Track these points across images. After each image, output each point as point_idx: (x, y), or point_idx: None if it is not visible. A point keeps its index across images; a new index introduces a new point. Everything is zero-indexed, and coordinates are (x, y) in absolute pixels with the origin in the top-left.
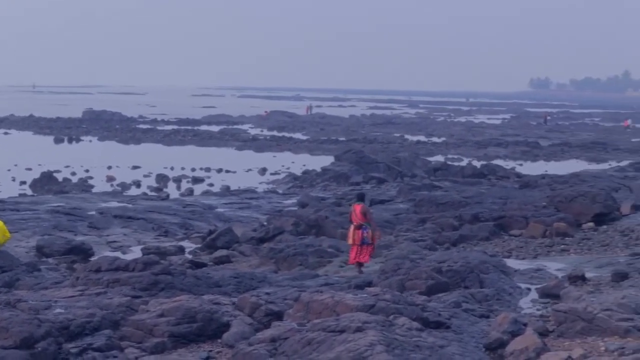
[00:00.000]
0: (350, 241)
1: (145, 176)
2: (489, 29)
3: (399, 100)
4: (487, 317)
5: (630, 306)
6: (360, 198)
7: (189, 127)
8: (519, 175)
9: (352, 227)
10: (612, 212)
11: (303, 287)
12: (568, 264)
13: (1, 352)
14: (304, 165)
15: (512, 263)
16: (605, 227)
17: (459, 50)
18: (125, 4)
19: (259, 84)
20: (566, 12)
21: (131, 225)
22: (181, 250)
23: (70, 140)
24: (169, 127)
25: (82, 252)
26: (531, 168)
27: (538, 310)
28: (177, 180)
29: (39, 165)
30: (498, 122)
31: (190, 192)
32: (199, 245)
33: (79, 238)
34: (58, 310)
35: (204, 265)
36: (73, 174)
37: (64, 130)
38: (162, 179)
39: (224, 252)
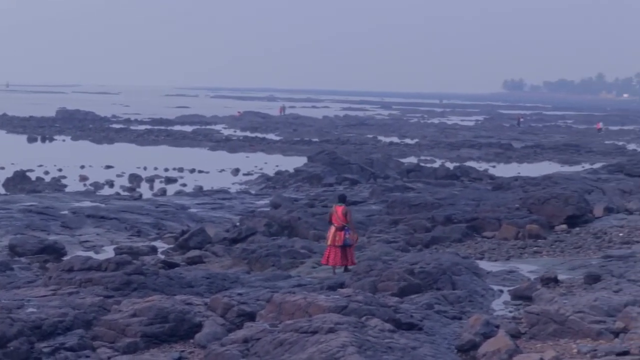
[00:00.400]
0: (329, 242)
1: (118, 176)
2: (462, 30)
3: (372, 101)
4: (460, 318)
5: (602, 308)
6: (342, 199)
7: (162, 127)
8: (492, 177)
9: (333, 229)
10: (584, 214)
11: (275, 288)
12: (541, 266)
13: None
14: (277, 166)
15: (484, 265)
16: (578, 229)
17: (433, 52)
18: (99, 3)
19: (232, 85)
20: (540, 13)
21: (104, 225)
22: (154, 250)
23: (43, 140)
24: (142, 127)
25: (55, 252)
26: (504, 170)
27: (510, 312)
28: (150, 180)
29: (12, 164)
30: (471, 123)
31: (163, 192)
32: (172, 246)
33: (52, 237)
34: (30, 309)
35: (176, 265)
36: (46, 173)
37: (37, 129)
38: (135, 178)
39: (196, 252)
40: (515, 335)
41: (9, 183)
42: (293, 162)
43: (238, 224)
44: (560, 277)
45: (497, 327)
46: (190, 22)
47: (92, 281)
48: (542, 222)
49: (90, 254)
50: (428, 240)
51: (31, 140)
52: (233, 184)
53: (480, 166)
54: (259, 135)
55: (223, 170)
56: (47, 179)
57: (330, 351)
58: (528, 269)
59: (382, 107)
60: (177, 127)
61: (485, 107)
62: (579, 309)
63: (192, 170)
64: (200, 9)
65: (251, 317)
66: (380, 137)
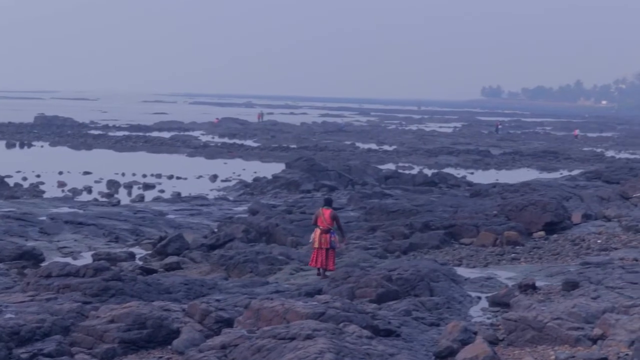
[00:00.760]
0: (315, 244)
1: (96, 182)
2: (440, 37)
3: (351, 107)
4: (437, 325)
5: (580, 315)
6: (328, 203)
7: (141, 134)
8: (470, 184)
9: (318, 231)
10: (563, 221)
11: (253, 294)
12: (518, 273)
13: None
14: (255, 173)
15: (462, 271)
16: (556, 236)
17: (411, 58)
18: (76, 8)
19: (210, 91)
20: (518, 20)
21: (82, 231)
22: (132, 256)
23: (21, 146)
24: (121, 133)
25: (33, 258)
26: (482, 177)
27: (488, 318)
28: (128, 186)
29: None
30: (449, 130)
31: (141, 198)
32: (150, 252)
33: (30, 243)
34: (8, 315)
35: (154, 271)
36: (24, 179)
37: (16, 135)
38: (113, 185)
39: (174, 258)
40: (493, 342)
41: None
42: (271, 169)
43: (216, 230)
44: (538, 283)
45: (475, 333)
46: (168, 28)
47: (70, 287)
48: (520, 228)
49: (68, 260)
50: (406, 246)
51: (10, 146)
52: (211, 190)
53: (459, 173)
54: (237, 141)
55: (201, 176)
56: (25, 185)
57: (308, 357)
58: (506, 275)
59: (360, 113)
60: (155, 134)
61: (464, 113)
62: (557, 316)
63: (170, 177)
64: (177, 15)
65: (229, 323)
66: (358, 144)
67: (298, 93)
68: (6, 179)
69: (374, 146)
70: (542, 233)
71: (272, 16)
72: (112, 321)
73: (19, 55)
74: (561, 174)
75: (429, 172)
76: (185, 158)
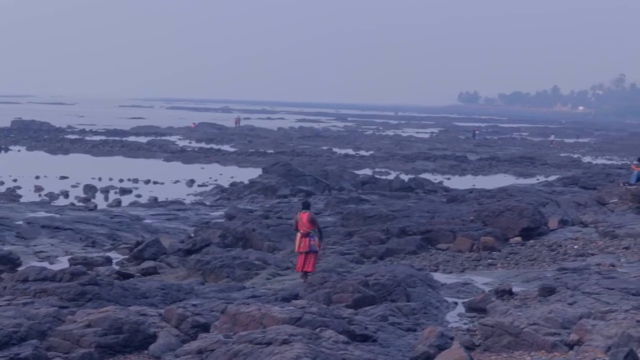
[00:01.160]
0: (297, 249)
1: (73, 186)
2: (417, 41)
3: (328, 113)
4: (414, 330)
5: (557, 321)
6: (306, 206)
7: (117, 138)
8: (446, 189)
9: (299, 235)
10: (539, 226)
11: (230, 299)
12: (495, 278)
13: None
14: (232, 178)
15: (439, 277)
16: (532, 241)
17: (388, 63)
18: (52, 13)
19: (187, 96)
20: (494, 25)
21: (59, 236)
22: (108, 261)
23: None
24: (98, 138)
25: (10, 262)
26: (459, 182)
27: (465, 324)
28: (105, 191)
29: None
30: (426, 135)
31: (118, 203)
32: (126, 256)
33: (7, 248)
34: None
35: (131, 276)
36: (1, 183)
37: None
38: (90, 189)
39: (151, 263)
40: (469, 348)
41: None
42: (248, 174)
43: (193, 235)
44: (515, 289)
45: (452, 339)
46: (144, 33)
47: (46, 292)
48: (496, 234)
49: (45, 264)
50: (383, 252)
51: None
52: (188, 195)
53: (435, 178)
54: (214, 146)
55: (178, 181)
56: (2, 189)
57: None
58: (483, 281)
59: (337, 118)
60: (132, 138)
61: (440, 119)
62: (534, 321)
63: (147, 181)
64: (153, 21)
65: (205, 328)
66: (335, 149)
67: (275, 98)
68: None
69: (351, 151)
70: (518, 239)
71: (248, 23)
72: (88, 326)
73: None
74: (538, 179)
75: (405, 177)
76: (162, 163)
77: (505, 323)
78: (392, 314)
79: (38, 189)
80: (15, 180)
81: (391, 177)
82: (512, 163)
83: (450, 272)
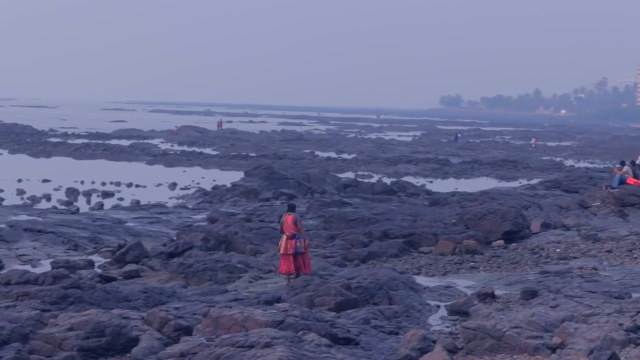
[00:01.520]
0: (281, 251)
1: (55, 190)
2: (399, 44)
3: (310, 116)
4: (396, 333)
5: (539, 324)
6: (291, 208)
7: (100, 141)
8: (429, 193)
9: (284, 237)
10: (521, 230)
11: (212, 303)
12: (477, 282)
13: None
14: (214, 181)
15: (421, 280)
16: (515, 244)
17: (369, 66)
18: (32, 16)
19: (169, 99)
20: (476, 28)
21: (41, 239)
22: (91, 264)
23: None
24: (80, 141)
25: None
26: (441, 185)
27: (447, 327)
28: (87, 194)
29: None
30: (409, 139)
31: (100, 206)
32: (109, 260)
33: None
34: None
35: (113, 279)
36: None
37: None
38: (72, 192)
39: (133, 266)
40: (452, 351)
41: None
42: (230, 177)
43: (175, 238)
44: (497, 292)
45: (434, 342)
46: (125, 36)
47: (29, 295)
48: (479, 237)
49: (27, 267)
50: (365, 255)
51: None
52: (170, 198)
53: (418, 181)
54: (196, 149)
55: (160, 184)
56: None
57: None
58: (465, 284)
59: (319, 122)
60: (114, 141)
61: (423, 122)
62: (516, 325)
63: (130, 185)
64: (135, 23)
65: (188, 331)
66: (317, 152)
67: (257, 101)
68: None
69: (333, 155)
70: (501, 242)
71: (233, 23)
72: (71, 329)
73: None
74: (520, 182)
75: (388, 180)
76: (144, 166)
77: (488, 326)
78: (374, 317)
79: (20, 192)
80: None
81: (373, 180)
82: (495, 166)
83: (433, 275)
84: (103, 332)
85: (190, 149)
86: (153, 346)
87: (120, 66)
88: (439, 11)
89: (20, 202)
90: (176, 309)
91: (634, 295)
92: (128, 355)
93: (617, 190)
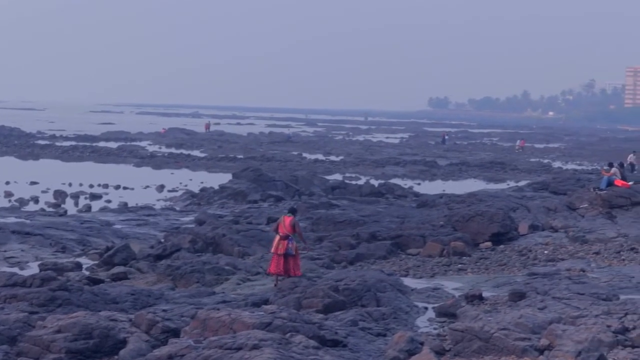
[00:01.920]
0: (273, 249)
1: (43, 192)
2: (386, 46)
3: (297, 118)
4: (384, 335)
5: (527, 326)
6: (292, 211)
7: (88, 144)
8: (416, 195)
9: (277, 238)
10: (509, 231)
11: (200, 305)
12: (465, 283)
13: None
14: (202, 183)
15: (409, 282)
16: (502, 246)
17: (357, 68)
18: (21, 17)
19: (157, 101)
20: (463, 30)
21: (29, 241)
22: (78, 266)
23: None
24: (68, 143)
25: None
26: (429, 187)
27: (435, 329)
28: (75, 196)
29: None
30: (396, 141)
31: (88, 208)
32: (96, 262)
33: None
34: None
35: (101, 281)
36: None
37: None
38: (60, 195)
39: (121, 268)
40: (439, 352)
41: None
42: (218, 179)
43: (163, 240)
44: (485, 294)
45: (422, 344)
46: (113, 38)
47: (16, 297)
48: (466, 239)
49: (15, 270)
50: (353, 257)
51: None
52: (158, 200)
53: (405, 183)
54: (184, 151)
55: (148, 186)
56: None
57: None
58: (453, 286)
59: (307, 124)
60: (102, 144)
61: (411, 124)
62: (504, 326)
63: (117, 187)
64: (122, 25)
65: (176, 333)
66: (305, 154)
67: (245, 103)
68: None
69: (321, 156)
70: (488, 244)
71: (221, 26)
72: (58, 331)
73: None
74: (508, 184)
75: (375, 182)
76: (132, 168)
77: (476, 328)
78: (362, 319)
79: (8, 194)
80: None
81: (361, 182)
82: (482, 168)
83: (420, 277)
84: (91, 334)
85: (178, 151)
86: (141, 348)
87: (108, 69)
88: (426, 14)
89: (8, 205)
90: (164, 311)
91: (622, 297)
92: (116, 357)
93: (604, 192)
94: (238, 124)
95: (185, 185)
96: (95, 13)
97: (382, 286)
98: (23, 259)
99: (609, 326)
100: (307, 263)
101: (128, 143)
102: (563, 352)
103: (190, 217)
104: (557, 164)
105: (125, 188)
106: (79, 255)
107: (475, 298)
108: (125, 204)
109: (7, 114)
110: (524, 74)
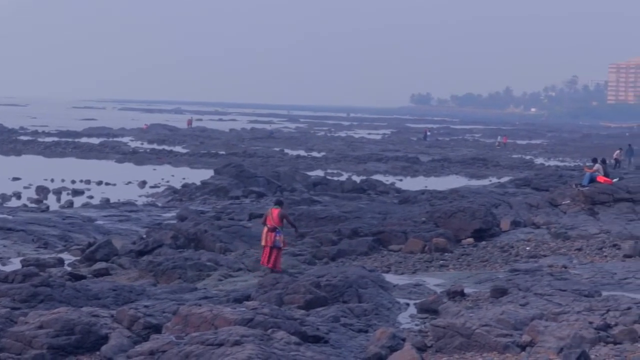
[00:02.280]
0: (263, 242)
1: (25, 188)
2: (369, 44)
3: (280, 114)
4: (366, 331)
5: (509, 322)
6: (279, 203)
7: (70, 139)
8: (398, 191)
9: (265, 229)
10: (491, 228)
11: (182, 301)
12: (447, 280)
13: None
14: (184, 179)
15: (391, 278)
16: (484, 243)
17: (340, 65)
18: (1, 12)
19: (139, 97)
20: (446, 27)
21: (11, 237)
22: (60, 262)
23: None
24: (50, 139)
25: None
26: (411, 183)
27: (417, 325)
28: (57, 192)
29: None
30: (378, 137)
31: (70, 204)
32: (78, 258)
33: None
34: None
35: (83, 277)
36: None
37: None
38: (42, 190)
39: (103, 264)
40: (421, 349)
41: None
42: (200, 175)
43: (144, 236)
44: (467, 290)
45: (404, 340)
46: (93, 33)
47: None
48: (448, 235)
49: None
50: (334, 253)
51: None
52: (140, 196)
53: (387, 180)
54: (166, 147)
55: (130, 182)
56: None
57: None
58: (434, 282)
59: (289, 120)
60: (84, 139)
61: (393, 120)
62: (486, 323)
63: (99, 183)
64: (103, 20)
65: (157, 329)
66: (287, 150)
67: (226, 99)
68: None
69: (302, 153)
70: (470, 240)
71: (204, 21)
72: (40, 327)
73: None
74: (490, 181)
75: (357, 178)
76: (114, 164)
77: (457, 324)
78: (343, 315)
79: None
80: None
81: (343, 178)
82: (464, 164)
83: (402, 274)
84: (73, 330)
85: (160, 147)
86: (122, 344)
87: (90, 64)
88: (409, 12)
89: None
90: (146, 307)
91: (604, 293)
92: (97, 353)
93: (587, 188)
94: (220, 120)
95: (167, 181)
96: (77, 7)
97: (363, 282)
98: (5, 254)
99: (591, 322)
100: (289, 259)
101: (110, 139)
102: (545, 349)
103: (172, 213)
104: (539, 161)
105: (107, 184)
106: (61, 251)
107: (457, 294)
108: (108, 200)
109: None
110: (507, 71)
